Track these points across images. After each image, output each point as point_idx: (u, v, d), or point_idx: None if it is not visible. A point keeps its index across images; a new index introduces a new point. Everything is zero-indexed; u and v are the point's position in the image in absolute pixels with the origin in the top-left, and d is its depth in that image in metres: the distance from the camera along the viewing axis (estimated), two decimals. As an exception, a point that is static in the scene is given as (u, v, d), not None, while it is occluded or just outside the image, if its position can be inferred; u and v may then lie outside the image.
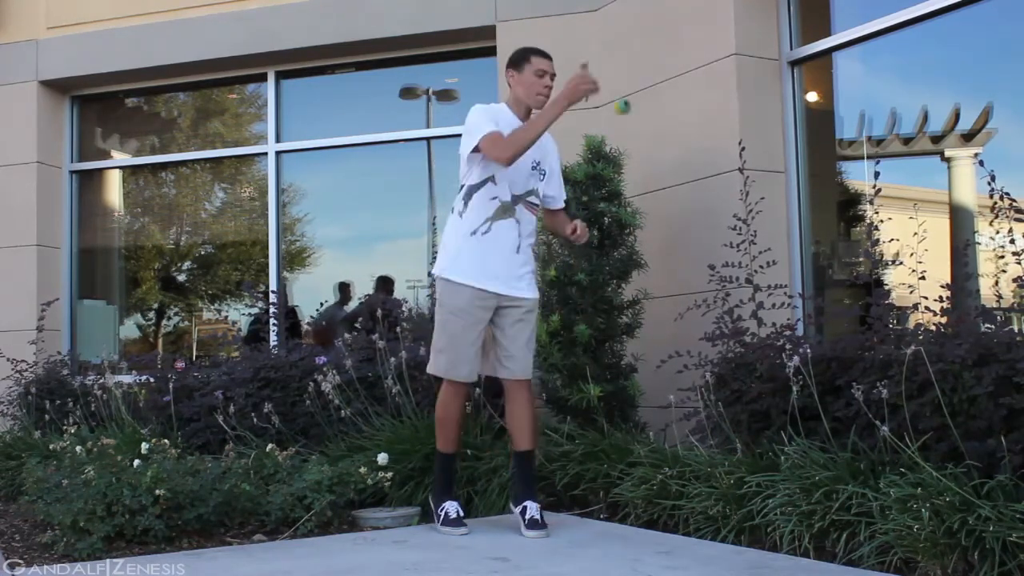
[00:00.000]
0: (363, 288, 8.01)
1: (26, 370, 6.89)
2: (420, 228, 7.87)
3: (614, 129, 5.69)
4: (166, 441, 5.12)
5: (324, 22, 7.14)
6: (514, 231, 4.11)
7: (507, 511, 4.33)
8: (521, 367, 4.14)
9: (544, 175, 4.24)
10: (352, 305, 8.24)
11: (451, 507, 4.13)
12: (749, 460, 4.00)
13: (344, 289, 8.27)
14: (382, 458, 4.66)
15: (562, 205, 4.38)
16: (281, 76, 7.63)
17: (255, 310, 7.93)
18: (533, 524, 3.98)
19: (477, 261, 4.08)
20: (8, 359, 6.81)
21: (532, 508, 4.03)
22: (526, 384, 4.17)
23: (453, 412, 4.19)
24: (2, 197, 7.78)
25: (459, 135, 4.14)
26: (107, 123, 8.61)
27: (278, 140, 7.64)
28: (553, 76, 4.16)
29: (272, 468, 4.75)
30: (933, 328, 3.74)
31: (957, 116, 5.52)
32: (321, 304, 7.14)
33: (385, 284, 7.83)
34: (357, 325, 5.70)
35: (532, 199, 4.21)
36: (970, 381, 3.35)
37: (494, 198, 4.09)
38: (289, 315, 7.79)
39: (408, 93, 7.69)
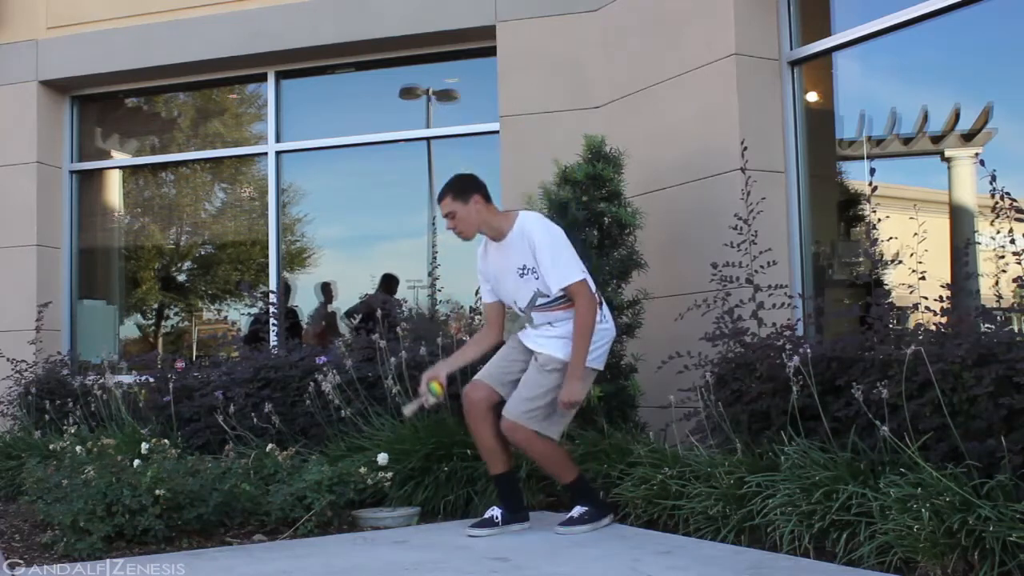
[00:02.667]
0: (361, 287, 8.01)
1: (26, 370, 6.89)
2: (420, 228, 7.87)
3: (614, 129, 5.70)
4: (166, 441, 5.12)
5: (324, 22, 7.14)
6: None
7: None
8: (510, 403, 4.11)
9: (537, 273, 4.11)
10: (337, 304, 8.28)
11: (489, 510, 4.20)
12: (749, 460, 4.00)
13: (326, 289, 8.29)
14: (382, 458, 4.66)
15: (559, 287, 4.07)
16: (281, 76, 7.63)
17: (255, 310, 7.93)
18: (563, 521, 4.14)
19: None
20: (8, 359, 6.82)
21: (573, 508, 4.17)
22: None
23: (475, 437, 4.25)
24: (2, 197, 7.78)
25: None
26: (107, 123, 8.61)
27: (278, 140, 7.64)
28: (446, 216, 4.25)
29: (272, 468, 4.75)
30: (933, 328, 3.74)
31: (957, 116, 5.52)
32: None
33: (388, 282, 7.84)
34: (349, 322, 5.70)
35: (540, 301, 4.14)
36: (970, 381, 3.35)
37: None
38: (289, 315, 7.80)
39: (408, 93, 7.69)
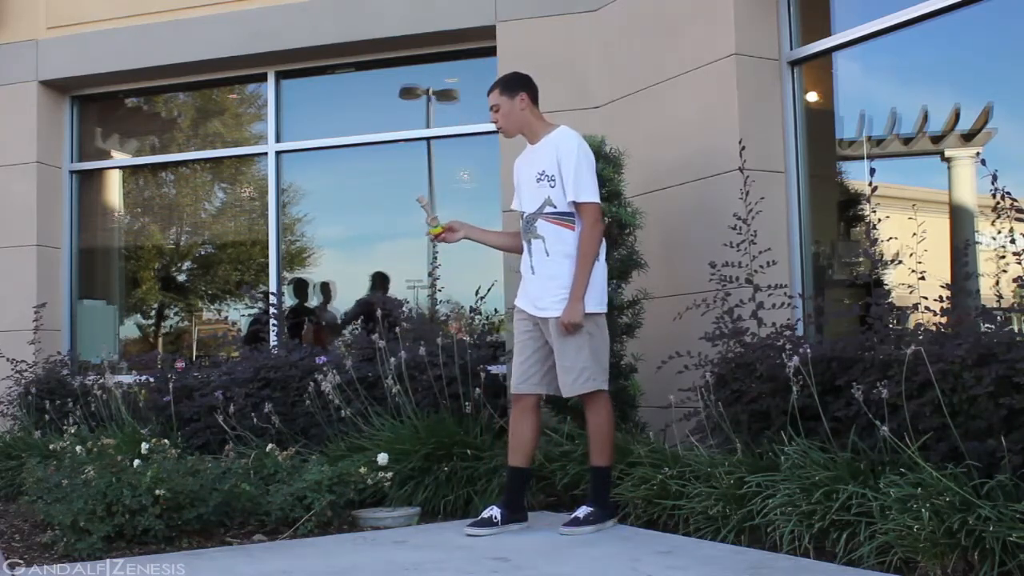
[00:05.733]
0: (361, 287, 8.01)
1: (26, 370, 6.89)
2: (420, 228, 7.83)
3: (614, 129, 5.70)
4: (166, 441, 5.12)
5: (324, 22, 7.14)
6: (527, 254, 4.28)
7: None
8: (561, 383, 4.17)
9: (554, 181, 4.19)
10: (336, 303, 8.28)
11: (488, 510, 4.21)
12: (749, 460, 4.01)
13: (325, 289, 8.30)
14: (382, 458, 4.66)
15: (572, 198, 4.15)
16: (281, 76, 7.62)
17: (255, 310, 7.94)
18: (568, 522, 4.11)
19: (520, 281, 4.37)
20: (8, 359, 6.82)
21: (578, 509, 4.15)
22: (586, 398, 4.19)
23: (512, 426, 4.29)
24: (2, 197, 7.78)
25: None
26: (107, 123, 8.60)
27: (278, 140, 7.63)
28: (491, 108, 4.44)
29: (272, 468, 4.76)
30: (933, 328, 3.74)
31: (957, 116, 5.51)
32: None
33: (383, 281, 7.84)
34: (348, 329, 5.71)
35: (548, 210, 4.19)
36: (970, 381, 3.35)
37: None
38: (302, 313, 7.85)
39: (408, 93, 7.68)
